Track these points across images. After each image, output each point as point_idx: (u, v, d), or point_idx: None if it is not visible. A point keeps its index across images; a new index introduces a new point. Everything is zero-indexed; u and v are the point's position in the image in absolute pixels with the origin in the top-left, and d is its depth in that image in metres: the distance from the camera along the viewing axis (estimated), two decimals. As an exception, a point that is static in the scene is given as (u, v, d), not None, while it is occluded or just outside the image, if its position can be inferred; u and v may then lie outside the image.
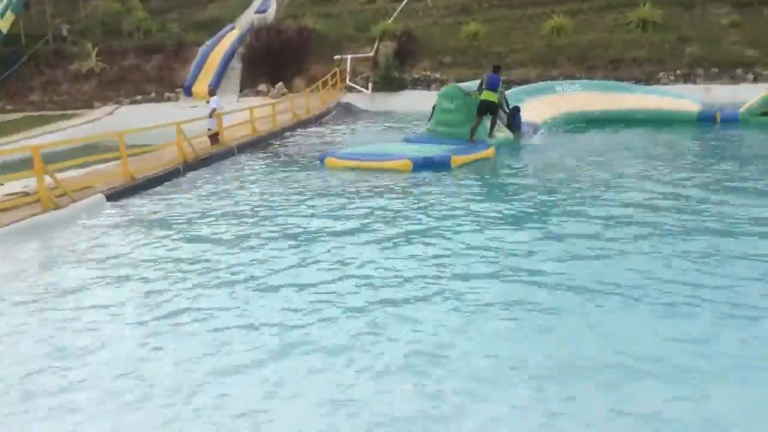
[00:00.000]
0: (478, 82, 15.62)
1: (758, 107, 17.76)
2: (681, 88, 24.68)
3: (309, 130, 21.11)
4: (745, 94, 20.85)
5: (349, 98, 28.59)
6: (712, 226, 8.14)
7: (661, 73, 26.87)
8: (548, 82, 22.53)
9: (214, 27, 34.72)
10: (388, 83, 29.40)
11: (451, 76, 28.01)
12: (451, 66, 29.74)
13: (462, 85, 16.42)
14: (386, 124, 22.29)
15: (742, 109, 18.05)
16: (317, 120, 23.31)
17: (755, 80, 25.29)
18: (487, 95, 14.95)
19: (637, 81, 25.77)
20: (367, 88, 29.76)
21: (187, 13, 37.80)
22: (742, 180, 10.91)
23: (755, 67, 26.10)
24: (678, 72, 26.79)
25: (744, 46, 27.10)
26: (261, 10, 36.70)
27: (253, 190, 11.80)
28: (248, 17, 36.02)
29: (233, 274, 7.19)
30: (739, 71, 26.11)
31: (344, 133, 20.22)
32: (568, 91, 19.97)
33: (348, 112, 26.55)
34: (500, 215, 9.16)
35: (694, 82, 26.15)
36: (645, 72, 27.02)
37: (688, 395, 4.43)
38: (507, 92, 17.39)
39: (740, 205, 9.11)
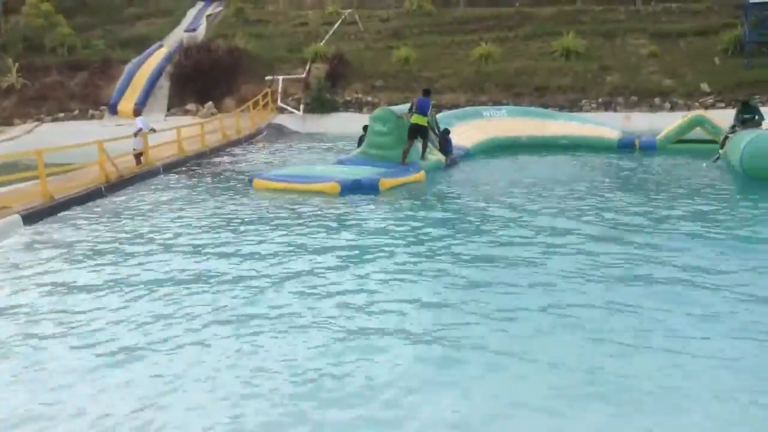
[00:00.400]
0: (408, 105, 15.81)
1: (674, 135, 18.56)
2: (602, 115, 25.63)
3: (239, 150, 20.88)
4: (662, 122, 21.83)
5: (281, 119, 28.50)
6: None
7: (583, 101, 27.83)
8: (476, 107, 23.01)
9: (141, 45, 34.01)
10: (320, 105, 29.44)
11: (383, 99, 28.28)
12: (382, 89, 30.03)
13: (394, 108, 16.55)
14: (317, 146, 22.27)
15: (659, 137, 18.81)
16: (247, 140, 23.11)
17: (672, 108, 26.47)
18: (417, 119, 15.11)
19: (561, 108, 26.63)
20: (298, 110, 29.71)
21: (113, 30, 36.92)
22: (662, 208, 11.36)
23: (672, 96, 27.35)
24: (600, 100, 27.82)
25: (662, 76, 28.40)
26: (190, 29, 36.25)
27: (174, 214, 11.46)
28: (177, 35, 35.49)
29: (146, 304, 6.96)
30: (657, 100, 27.31)
31: (274, 154, 20.08)
32: (495, 117, 20.43)
33: (279, 133, 26.45)
34: (418, 242, 9.09)
35: (615, 110, 27.19)
36: (569, 99, 27.93)
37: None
38: (437, 116, 17.63)
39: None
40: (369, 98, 29.59)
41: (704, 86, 27.24)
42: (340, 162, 15.64)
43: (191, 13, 39.38)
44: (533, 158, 17.90)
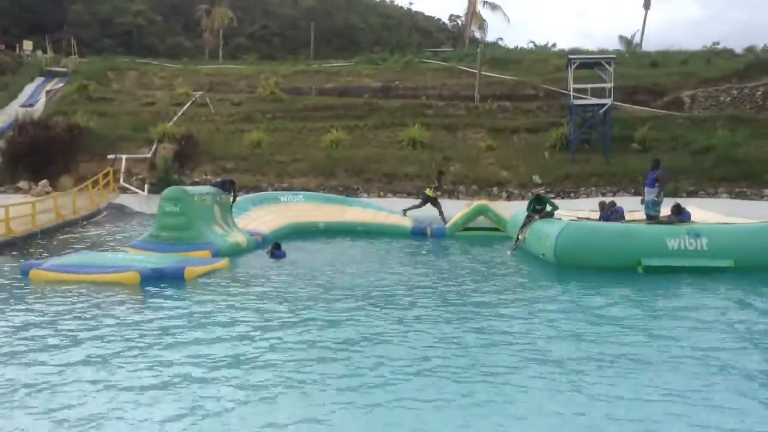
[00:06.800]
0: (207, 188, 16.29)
1: (461, 223, 19.53)
2: (446, 202, 26.72)
3: (74, 231, 19.67)
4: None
5: (123, 199, 27.35)
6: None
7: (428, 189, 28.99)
8: (272, 192, 23.06)
9: (-29, 118, 31.86)
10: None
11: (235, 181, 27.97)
12: (233, 171, 29.73)
13: (189, 188, 15.72)
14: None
15: (448, 225, 19.61)
16: (85, 221, 21.85)
17: (508, 198, 28.21)
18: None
19: (409, 194, 27.65)
20: (143, 190, 28.68)
21: (-61, 102, 34.42)
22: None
23: (508, 186, 29.25)
24: (444, 187, 29.10)
25: (498, 168, 30.38)
26: (27, 105, 34.51)
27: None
28: (12, 110, 33.54)
29: None
30: (495, 189, 29.07)
31: (111, 235, 19.11)
32: (292, 202, 20.47)
33: (120, 213, 25.34)
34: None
35: (458, 198, 28.56)
36: (415, 186, 28.99)
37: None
38: (240, 198, 17.76)
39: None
40: (219, 180, 29.11)
41: (536, 178, 29.40)
42: (133, 246, 14.13)
43: (29, 88, 37.71)
44: (338, 243, 17.38)
